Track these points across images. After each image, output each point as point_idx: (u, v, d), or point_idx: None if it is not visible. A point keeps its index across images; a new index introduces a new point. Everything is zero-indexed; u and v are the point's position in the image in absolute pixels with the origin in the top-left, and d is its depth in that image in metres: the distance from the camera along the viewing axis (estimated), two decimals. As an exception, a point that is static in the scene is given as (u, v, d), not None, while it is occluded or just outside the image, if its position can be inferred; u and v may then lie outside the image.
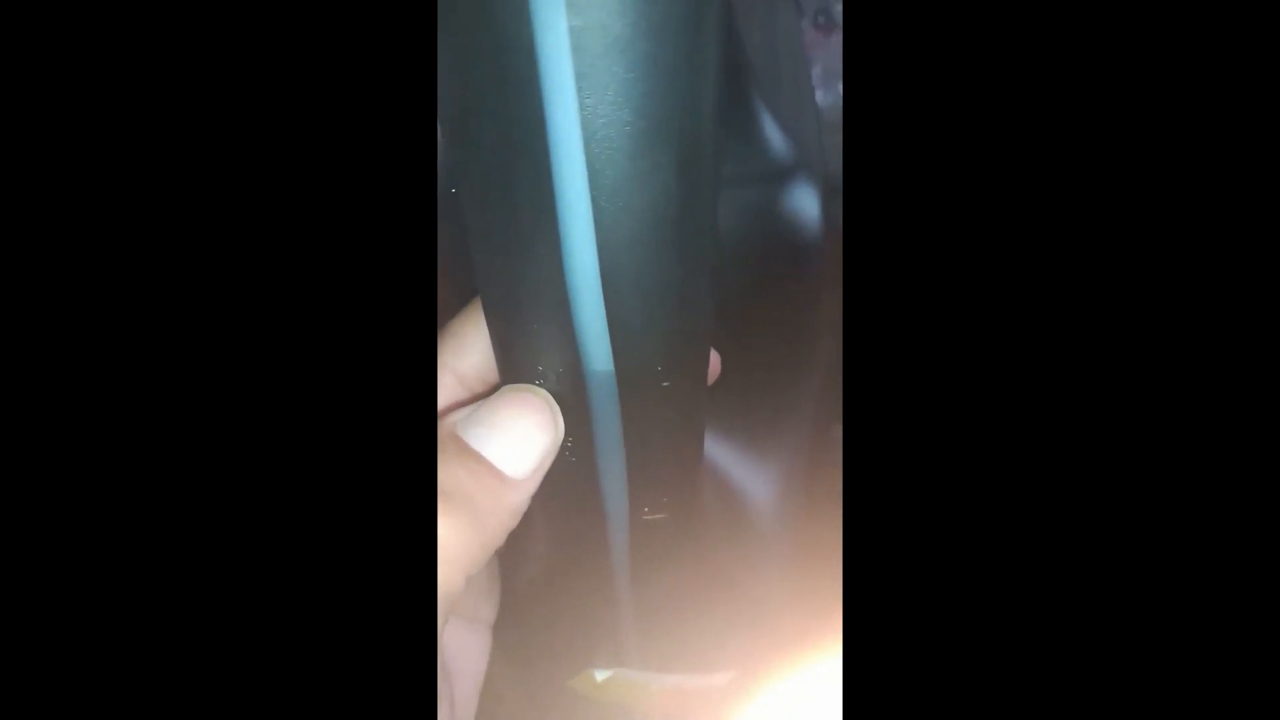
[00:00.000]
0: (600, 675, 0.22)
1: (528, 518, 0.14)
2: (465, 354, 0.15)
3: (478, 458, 0.13)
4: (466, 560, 0.12)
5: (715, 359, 0.16)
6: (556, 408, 0.13)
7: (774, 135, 0.18)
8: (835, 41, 0.52)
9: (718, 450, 0.19)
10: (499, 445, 0.13)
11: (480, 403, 0.13)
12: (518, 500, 0.13)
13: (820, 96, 0.52)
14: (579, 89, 0.09)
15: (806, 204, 0.19)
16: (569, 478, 0.14)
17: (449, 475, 0.12)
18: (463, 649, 0.17)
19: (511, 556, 0.13)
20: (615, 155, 0.10)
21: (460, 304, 0.16)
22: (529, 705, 0.26)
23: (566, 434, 0.14)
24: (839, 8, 0.48)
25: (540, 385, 0.13)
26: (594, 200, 0.10)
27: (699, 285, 0.12)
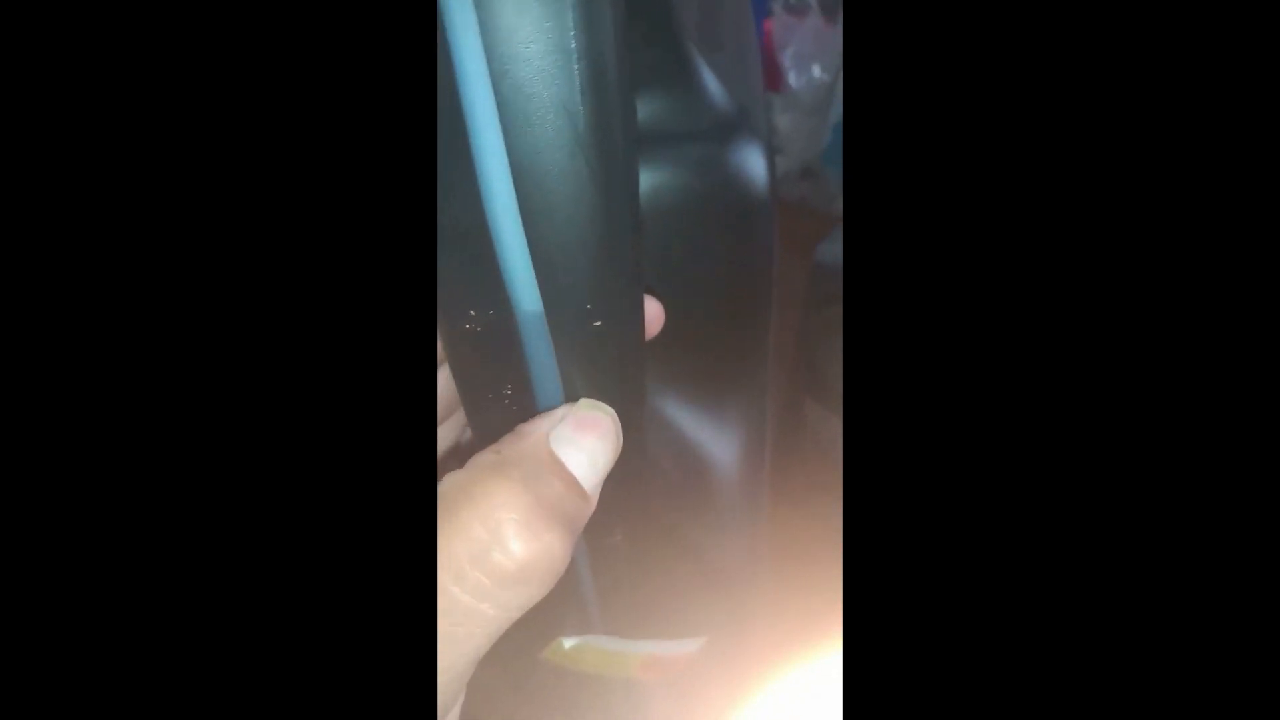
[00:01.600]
0: (569, 643, 0.22)
1: None
2: None
3: (569, 474, 0.13)
4: (564, 567, 0.13)
5: (657, 309, 0.16)
6: (619, 424, 0.14)
7: (715, 91, 0.18)
8: (808, 25, 0.53)
9: (673, 407, 0.19)
10: (582, 462, 0.13)
11: (561, 417, 0.14)
12: (590, 512, 0.14)
13: (793, 79, 0.53)
14: (481, 28, 0.10)
15: (751, 161, 0.19)
16: (511, 426, 0.14)
17: (552, 492, 0.13)
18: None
19: None
20: (520, 86, 0.10)
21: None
22: (503, 678, 0.26)
23: (505, 381, 0.14)
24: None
25: (472, 329, 0.13)
26: (505, 131, 0.11)
27: (620, 214, 0.12)
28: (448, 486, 0.13)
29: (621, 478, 0.16)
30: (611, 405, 0.15)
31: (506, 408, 0.14)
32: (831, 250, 0.31)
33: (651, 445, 0.17)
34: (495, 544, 0.12)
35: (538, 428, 0.13)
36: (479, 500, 0.12)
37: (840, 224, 0.38)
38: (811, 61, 0.51)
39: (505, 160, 0.11)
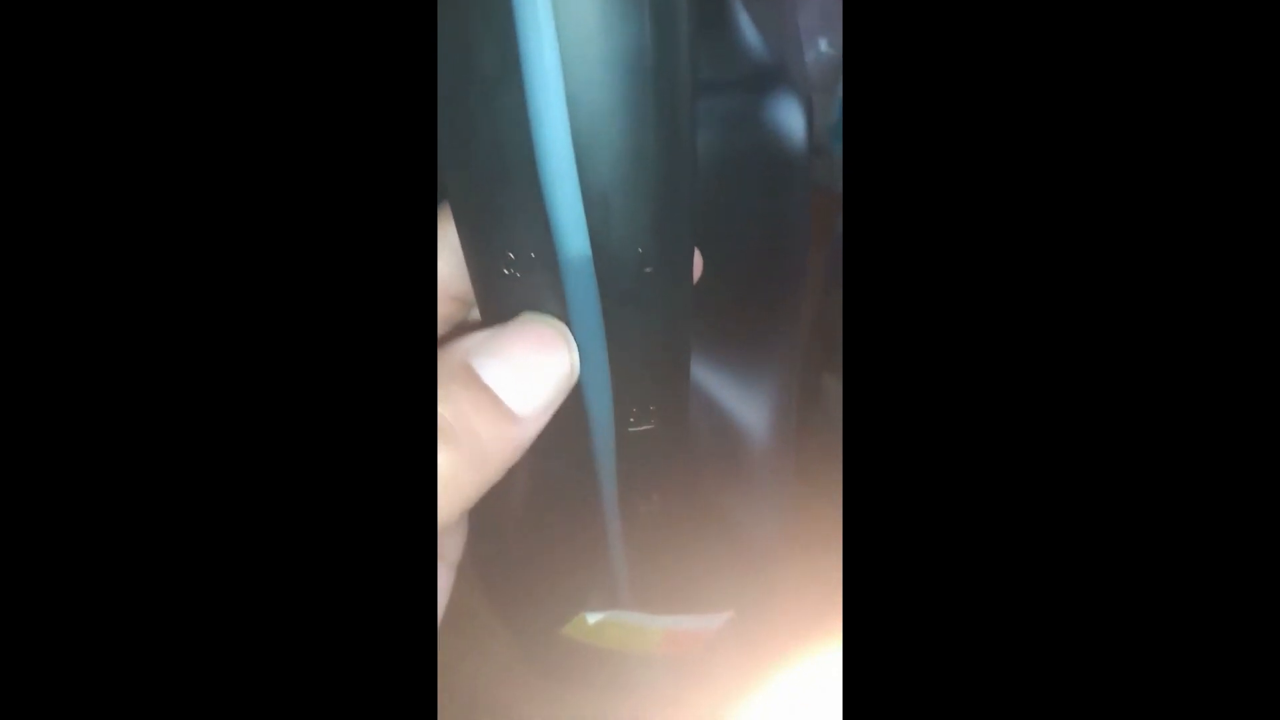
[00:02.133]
0: (593, 618, 0.22)
1: None
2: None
3: (488, 392, 0.12)
4: (462, 495, 0.12)
5: (699, 260, 0.15)
6: (572, 341, 0.12)
7: (754, 39, 0.17)
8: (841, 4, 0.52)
9: (705, 372, 0.18)
10: (509, 381, 0.12)
11: (493, 331, 0.12)
12: (523, 437, 0.12)
13: (823, 44, 0.52)
14: None
15: (790, 113, 0.18)
16: None
17: (454, 408, 0.12)
18: None
19: (494, 494, 0.13)
20: (583, 14, 0.09)
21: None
22: (523, 657, 0.25)
23: None
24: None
25: (511, 274, 0.12)
26: (562, 52, 0.10)
27: (681, 154, 0.11)
28: None
29: (660, 441, 0.15)
30: (656, 359, 0.14)
31: None
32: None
33: (691, 409, 0.16)
34: None
35: (461, 340, 0.12)
36: None
37: None
38: (819, 36, 0.50)
39: (562, 90, 0.10)
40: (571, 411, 0.14)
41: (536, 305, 0.13)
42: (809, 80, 0.20)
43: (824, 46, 0.51)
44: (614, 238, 0.12)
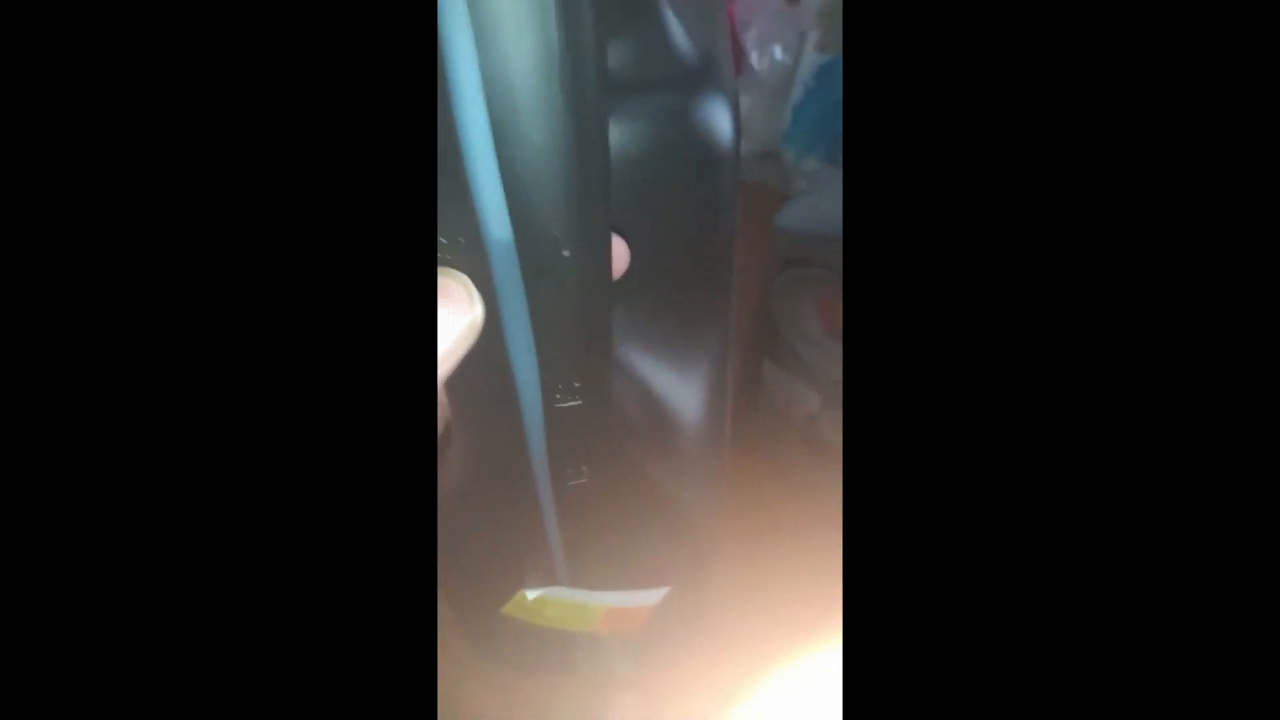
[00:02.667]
0: (531, 595, 0.23)
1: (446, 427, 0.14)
2: None
3: None
4: None
5: (623, 248, 0.16)
6: (474, 291, 0.13)
7: (680, 38, 0.18)
8: (770, 5, 0.53)
9: (636, 354, 0.19)
10: None
11: None
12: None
13: (755, 60, 0.53)
14: None
15: (717, 112, 0.19)
16: (480, 358, 0.14)
17: None
18: None
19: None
20: (497, 12, 0.10)
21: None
22: (463, 635, 0.26)
23: None
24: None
25: (442, 257, 0.13)
26: (480, 58, 0.11)
27: (591, 146, 0.12)
28: None
29: (587, 417, 0.16)
30: (579, 340, 0.15)
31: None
32: (789, 215, 0.32)
33: (617, 387, 0.17)
34: None
35: None
36: None
37: (819, 175, 0.39)
38: (773, 43, 0.52)
39: (480, 87, 0.11)
40: (502, 389, 0.15)
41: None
42: (759, 82, 0.21)
43: (778, 54, 0.53)
44: (533, 223, 0.13)
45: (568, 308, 0.14)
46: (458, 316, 0.13)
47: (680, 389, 0.21)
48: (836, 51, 0.48)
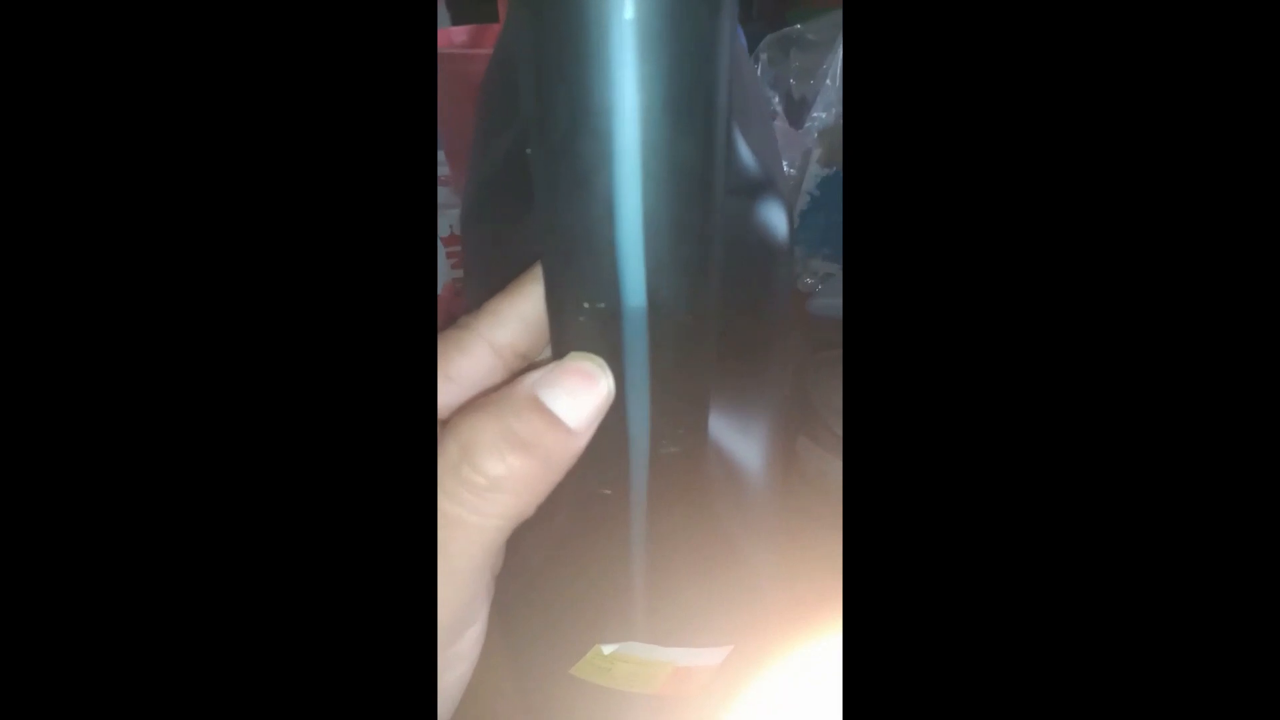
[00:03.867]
0: (608, 649, 0.24)
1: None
2: (499, 327, 0.18)
3: (549, 412, 0.16)
4: (535, 493, 0.16)
5: None
6: (608, 371, 0.16)
7: (747, 157, 0.22)
8: (776, 127, 0.60)
9: (713, 417, 0.22)
10: (565, 403, 0.16)
11: (550, 367, 0.16)
12: (577, 447, 0.16)
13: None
14: (633, 66, 0.13)
15: (776, 215, 0.23)
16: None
17: (528, 426, 0.15)
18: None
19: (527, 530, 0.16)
20: (655, 119, 0.14)
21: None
22: (522, 698, 0.27)
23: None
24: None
25: (584, 320, 0.16)
26: (641, 155, 0.14)
27: (712, 226, 0.16)
28: (444, 416, 0.16)
29: (685, 462, 0.19)
30: (687, 390, 0.18)
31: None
32: (822, 303, 0.35)
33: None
34: (465, 460, 0.15)
35: (526, 376, 0.16)
36: (454, 427, 0.15)
37: (831, 277, 0.43)
38: (782, 159, 0.58)
39: (639, 175, 0.14)
40: (613, 440, 0.17)
41: (598, 345, 0.16)
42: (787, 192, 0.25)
43: (786, 168, 0.59)
44: (664, 296, 0.16)
45: (680, 362, 0.17)
46: (597, 391, 0.16)
47: (745, 452, 0.24)
48: (837, 165, 0.53)
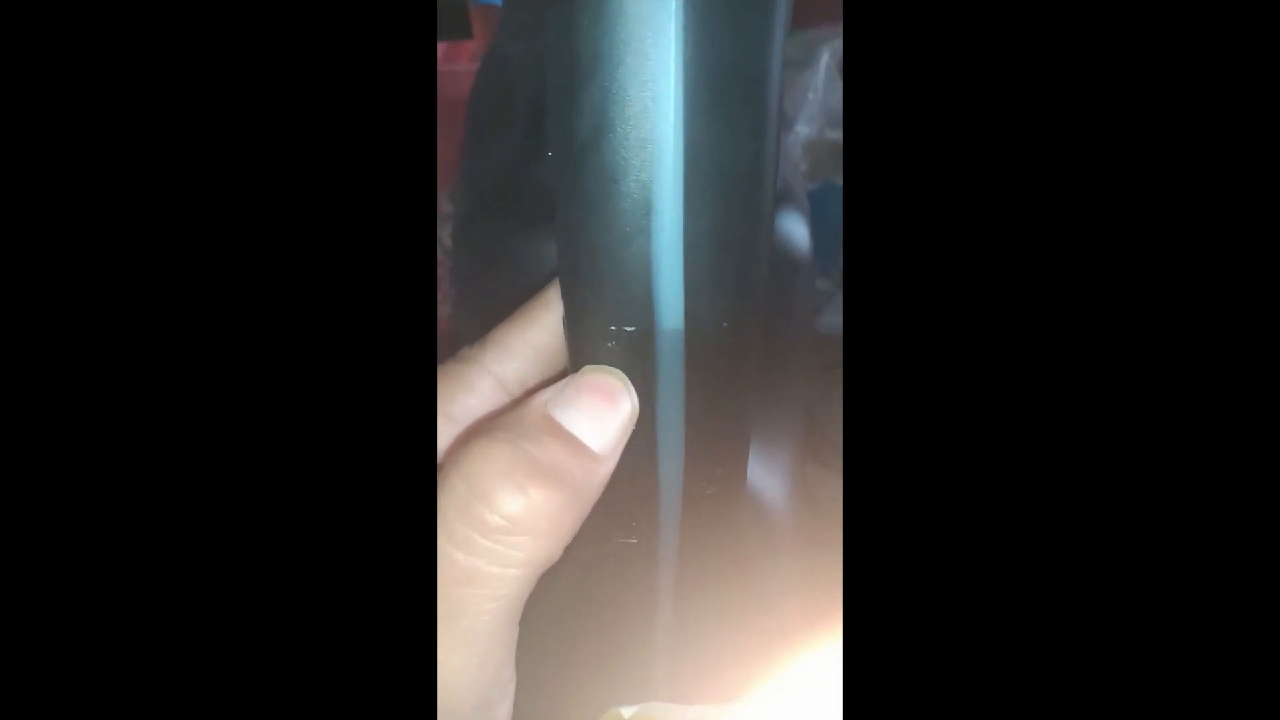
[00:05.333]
0: (628, 712, 0.21)
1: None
2: (506, 360, 0.16)
3: (570, 435, 0.13)
4: (566, 531, 0.13)
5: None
6: (630, 385, 0.14)
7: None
8: (786, 149, 0.60)
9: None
10: (586, 423, 0.14)
11: (564, 383, 0.14)
12: (604, 473, 0.14)
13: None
14: (676, 54, 0.11)
15: (797, 227, 0.21)
16: (629, 446, 0.15)
17: (546, 452, 0.13)
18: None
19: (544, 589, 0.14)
20: (700, 114, 0.12)
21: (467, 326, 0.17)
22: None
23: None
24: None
25: (612, 346, 0.14)
26: (685, 155, 0.12)
27: (760, 240, 0.14)
28: (443, 457, 0.13)
29: (723, 506, 0.17)
30: (727, 428, 0.16)
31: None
32: (830, 321, 0.34)
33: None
34: (475, 498, 0.12)
35: (537, 396, 0.14)
36: (462, 458, 0.13)
37: (833, 296, 0.41)
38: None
39: (681, 178, 0.12)
40: (640, 478, 0.15)
41: (627, 372, 0.14)
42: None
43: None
44: (704, 318, 0.14)
45: (719, 395, 0.15)
46: (620, 409, 0.14)
47: (770, 488, 0.22)
48: (823, 179, 0.53)
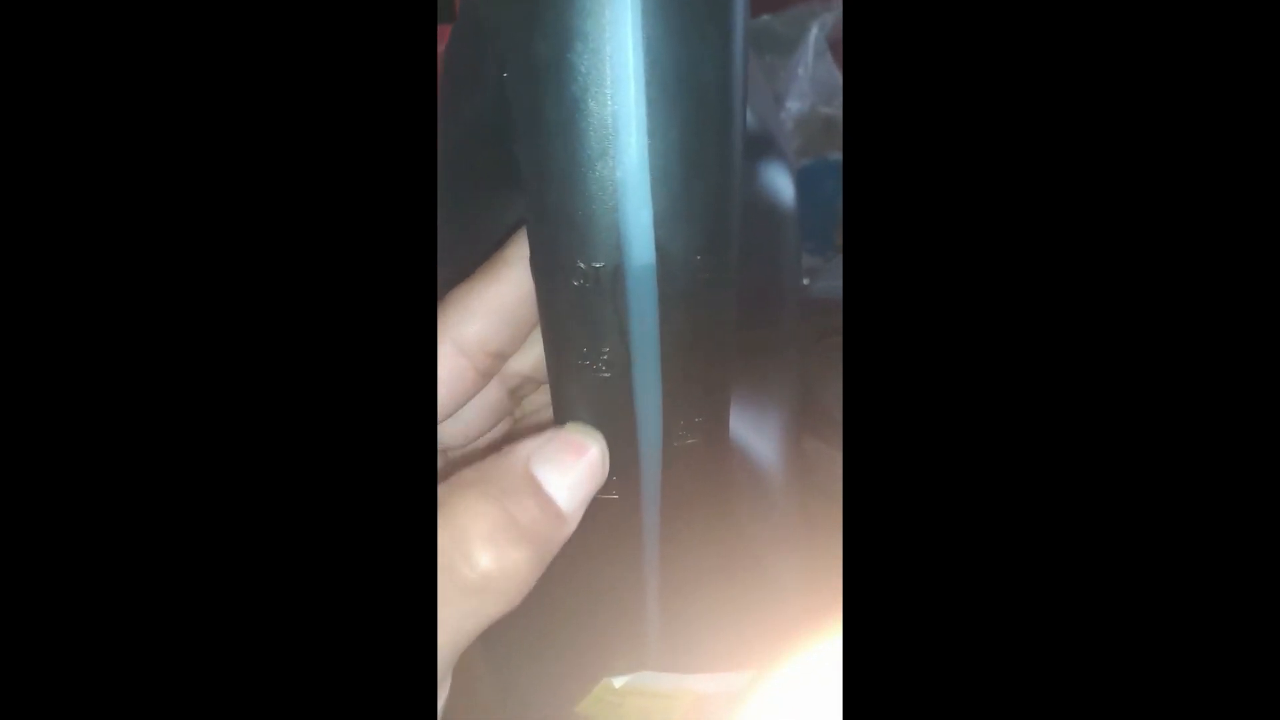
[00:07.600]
0: (619, 682, 0.21)
1: None
2: (467, 322, 0.15)
3: (547, 496, 0.14)
4: (523, 592, 0.14)
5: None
6: (605, 450, 0.15)
7: (751, 119, 0.20)
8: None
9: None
10: (560, 484, 0.14)
11: (545, 439, 0.14)
12: (567, 534, 0.14)
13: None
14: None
15: (779, 175, 0.21)
16: (597, 396, 0.14)
17: (525, 510, 0.13)
18: None
19: None
20: (666, 36, 0.11)
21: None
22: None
23: (602, 341, 0.14)
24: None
25: (580, 285, 0.13)
26: (645, 69, 0.11)
27: (732, 160, 0.13)
28: None
29: (704, 458, 0.16)
30: (706, 368, 0.15)
31: (594, 374, 0.14)
32: (825, 285, 0.33)
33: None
34: (458, 555, 0.13)
35: (521, 447, 0.14)
36: (447, 513, 0.13)
37: (832, 258, 0.41)
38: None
39: (643, 94, 0.12)
40: (621, 427, 0.15)
41: (597, 316, 0.13)
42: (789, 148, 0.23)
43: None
44: (676, 248, 0.13)
45: (697, 334, 0.14)
46: (592, 480, 0.14)
47: (762, 449, 0.21)
48: (815, 156, 0.52)
